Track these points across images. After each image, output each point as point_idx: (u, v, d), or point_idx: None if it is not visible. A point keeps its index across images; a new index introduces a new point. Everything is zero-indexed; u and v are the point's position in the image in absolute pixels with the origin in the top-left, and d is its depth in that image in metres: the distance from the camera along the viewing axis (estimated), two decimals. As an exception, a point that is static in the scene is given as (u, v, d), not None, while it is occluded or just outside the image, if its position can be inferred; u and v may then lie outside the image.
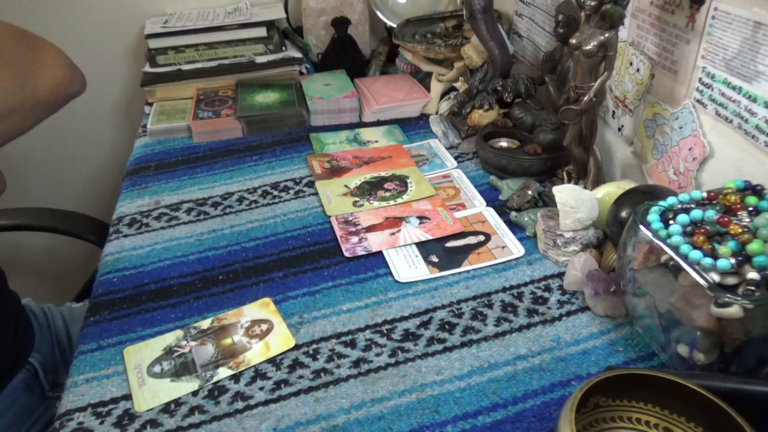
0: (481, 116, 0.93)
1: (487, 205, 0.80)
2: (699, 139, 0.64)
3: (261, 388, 0.55)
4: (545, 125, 0.87)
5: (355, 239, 0.74)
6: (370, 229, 0.76)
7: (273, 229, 0.78)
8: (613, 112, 0.81)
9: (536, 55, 1.01)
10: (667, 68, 0.68)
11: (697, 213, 0.49)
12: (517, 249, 0.71)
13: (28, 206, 1.03)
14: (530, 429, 0.50)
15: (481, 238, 0.74)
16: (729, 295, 0.44)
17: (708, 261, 0.46)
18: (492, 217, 0.78)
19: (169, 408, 0.53)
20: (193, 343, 0.60)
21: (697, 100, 0.64)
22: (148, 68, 1.11)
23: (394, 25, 1.13)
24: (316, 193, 0.85)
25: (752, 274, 0.45)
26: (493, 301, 0.64)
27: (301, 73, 1.16)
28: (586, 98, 0.69)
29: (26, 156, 1.29)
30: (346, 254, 0.71)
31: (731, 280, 0.46)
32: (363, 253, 0.71)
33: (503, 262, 0.70)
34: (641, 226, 0.52)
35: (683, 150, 0.67)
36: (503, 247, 0.72)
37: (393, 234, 0.74)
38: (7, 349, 0.70)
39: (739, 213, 0.49)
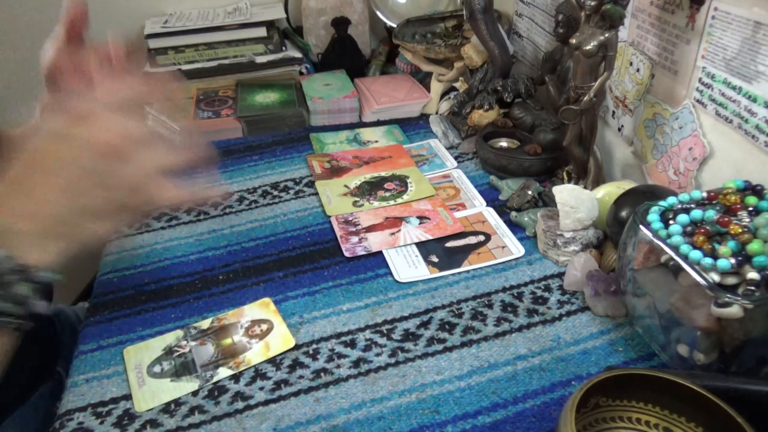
0: (481, 116, 0.93)
1: (487, 205, 0.80)
2: (699, 139, 0.64)
3: (261, 388, 0.55)
4: (545, 125, 0.87)
5: (355, 239, 0.74)
6: (370, 229, 0.76)
7: (273, 229, 0.78)
8: (613, 112, 0.81)
9: (536, 55, 1.01)
10: (667, 68, 0.68)
11: (697, 213, 0.49)
12: (517, 249, 0.71)
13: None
14: (530, 429, 0.50)
15: (481, 238, 0.74)
16: (729, 295, 0.44)
17: (708, 261, 0.46)
18: (492, 217, 0.78)
19: (169, 408, 0.53)
20: (193, 343, 0.60)
21: (697, 100, 0.64)
22: (148, 68, 1.11)
23: (394, 25, 1.13)
24: (316, 193, 0.85)
25: (752, 274, 0.45)
26: (493, 301, 0.64)
27: (301, 73, 1.16)
28: (586, 98, 0.69)
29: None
30: (346, 254, 0.71)
31: (731, 280, 0.46)
32: (363, 253, 0.71)
33: (503, 262, 0.70)
34: (641, 226, 0.52)
35: (683, 150, 0.67)
36: (503, 247, 0.72)
37: (393, 234, 0.74)
38: (36, 359, 0.70)
39: (739, 213, 0.49)
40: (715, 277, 0.46)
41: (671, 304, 0.51)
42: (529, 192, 0.78)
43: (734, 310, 0.44)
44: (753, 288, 0.44)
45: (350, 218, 0.78)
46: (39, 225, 0.43)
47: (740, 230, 0.46)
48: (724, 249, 0.46)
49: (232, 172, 0.91)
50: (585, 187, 0.74)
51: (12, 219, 0.42)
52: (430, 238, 0.74)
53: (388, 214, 0.78)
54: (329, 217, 0.79)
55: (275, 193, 0.85)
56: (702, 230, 0.48)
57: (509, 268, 0.69)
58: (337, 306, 0.64)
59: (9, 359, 0.45)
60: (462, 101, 0.98)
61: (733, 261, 0.45)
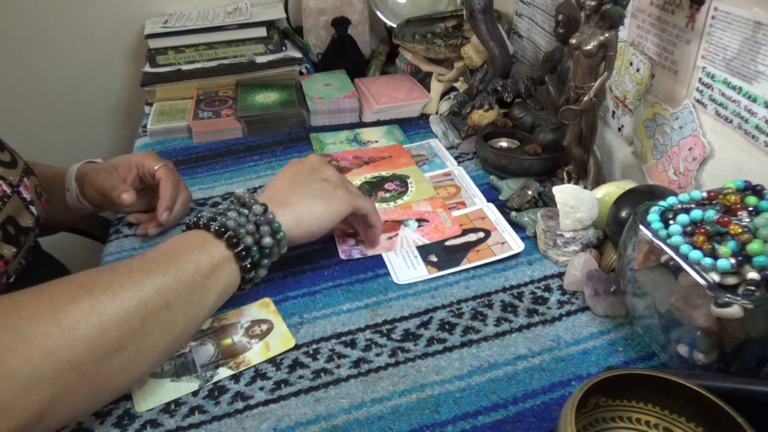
0: (481, 116, 0.93)
1: (488, 201, 0.80)
2: (699, 139, 0.64)
3: (261, 388, 0.55)
4: (545, 125, 0.87)
5: (351, 241, 0.74)
6: None
7: (273, 229, 0.78)
8: (613, 112, 0.81)
9: (536, 55, 1.01)
10: (667, 68, 0.68)
11: (697, 213, 0.49)
12: (516, 244, 0.71)
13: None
14: (530, 429, 0.50)
15: (481, 235, 0.74)
16: (729, 295, 0.44)
17: (708, 261, 0.46)
18: (492, 212, 0.77)
19: (169, 408, 0.53)
20: (193, 343, 0.60)
21: (697, 100, 0.64)
22: (148, 68, 1.11)
23: (394, 25, 1.13)
24: (316, 193, 0.84)
25: (752, 274, 0.45)
26: (493, 301, 0.64)
27: (301, 73, 1.16)
28: (586, 98, 0.69)
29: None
30: (342, 256, 0.71)
31: (731, 280, 0.46)
32: (359, 256, 0.71)
33: (503, 260, 0.70)
34: (641, 226, 0.52)
35: (683, 150, 0.67)
36: (503, 243, 0.72)
37: (390, 238, 0.74)
38: None
39: (739, 213, 0.49)
40: (715, 277, 0.46)
41: (671, 304, 0.51)
42: (529, 192, 0.78)
43: (734, 310, 0.44)
44: (753, 288, 0.44)
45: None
46: (293, 214, 0.61)
47: (740, 230, 0.46)
48: (724, 249, 0.46)
49: (232, 172, 0.91)
50: (585, 187, 0.74)
51: (278, 207, 0.60)
52: (427, 242, 0.73)
53: (386, 217, 0.78)
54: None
55: (275, 193, 0.85)
56: (702, 230, 0.48)
57: (509, 269, 0.69)
58: (337, 306, 0.64)
59: (225, 299, 0.57)
60: (462, 101, 0.98)
61: (733, 261, 0.45)
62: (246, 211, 0.58)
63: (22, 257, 0.67)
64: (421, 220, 0.77)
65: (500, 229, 0.74)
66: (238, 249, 0.56)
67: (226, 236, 0.55)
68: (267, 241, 0.57)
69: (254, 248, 0.57)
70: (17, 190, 0.67)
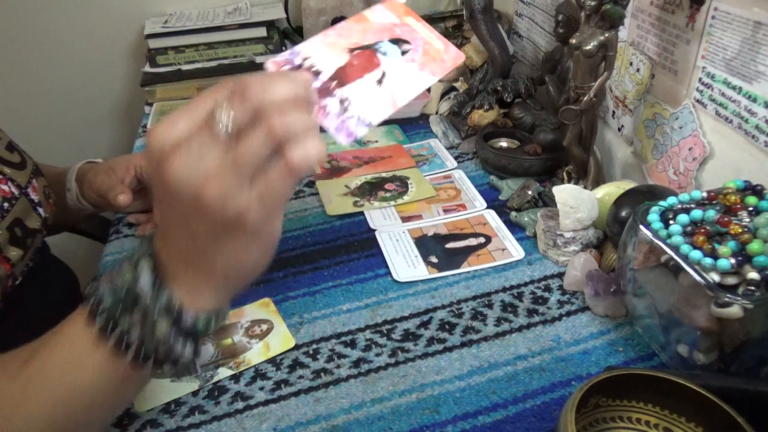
0: (481, 116, 0.93)
1: (488, 207, 0.80)
2: (699, 139, 0.64)
3: (261, 388, 0.55)
4: (545, 125, 0.87)
5: (334, 105, 0.43)
6: (342, 77, 0.42)
7: (273, 229, 0.77)
8: (613, 112, 0.81)
9: (536, 55, 1.01)
10: (667, 68, 0.68)
11: (697, 213, 0.49)
12: (517, 252, 0.71)
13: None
14: (530, 429, 0.50)
15: (482, 240, 0.74)
16: (729, 295, 0.44)
17: (708, 261, 0.46)
18: (493, 219, 0.77)
19: (169, 408, 0.53)
20: (193, 343, 0.60)
21: (697, 100, 0.64)
22: (148, 68, 1.12)
23: (394, 25, 1.13)
24: (316, 193, 0.85)
25: (752, 274, 0.45)
26: (493, 301, 0.64)
27: (301, 73, 1.16)
28: (586, 98, 0.69)
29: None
30: (346, 140, 0.43)
31: (731, 280, 0.46)
32: (357, 134, 0.43)
33: (503, 264, 0.70)
34: (641, 226, 0.52)
35: (683, 150, 0.67)
36: (503, 250, 0.72)
37: (378, 80, 0.43)
38: None
39: (739, 213, 0.49)
40: (715, 277, 0.46)
41: (671, 304, 0.51)
42: (529, 192, 0.78)
43: (734, 310, 0.44)
44: (753, 288, 0.44)
45: (293, 58, 0.42)
46: (201, 272, 0.39)
47: (740, 230, 0.46)
48: (724, 249, 0.46)
49: (232, 172, 0.91)
50: (585, 187, 0.74)
51: (177, 263, 0.39)
52: (429, 75, 0.44)
53: (349, 45, 0.44)
54: (330, 217, 0.79)
55: (275, 193, 0.85)
56: (702, 230, 0.48)
57: (509, 269, 0.69)
58: (337, 306, 0.64)
59: (140, 390, 0.49)
60: (462, 101, 0.98)
61: (733, 261, 0.45)
62: (155, 317, 0.39)
63: (29, 259, 0.67)
64: (400, 42, 0.45)
65: (501, 236, 0.74)
66: (148, 365, 0.40)
67: (129, 353, 0.39)
68: (187, 356, 0.41)
69: (172, 359, 0.40)
70: (25, 192, 0.66)
